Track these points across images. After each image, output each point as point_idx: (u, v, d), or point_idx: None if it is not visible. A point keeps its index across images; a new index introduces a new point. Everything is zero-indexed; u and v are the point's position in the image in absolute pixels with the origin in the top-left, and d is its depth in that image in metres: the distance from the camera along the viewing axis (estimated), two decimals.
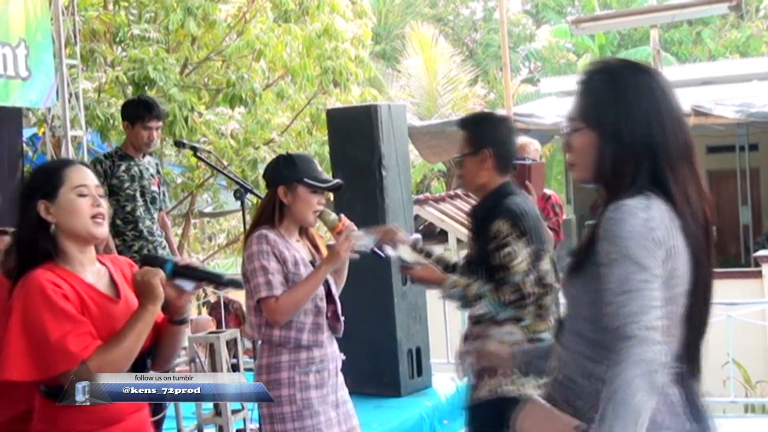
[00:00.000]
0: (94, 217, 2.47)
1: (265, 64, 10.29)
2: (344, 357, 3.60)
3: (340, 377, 3.54)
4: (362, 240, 3.43)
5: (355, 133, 6.03)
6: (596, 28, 13.64)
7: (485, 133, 3.50)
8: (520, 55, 24.95)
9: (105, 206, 2.52)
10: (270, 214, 3.43)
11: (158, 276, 2.41)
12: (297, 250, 3.42)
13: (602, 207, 2.01)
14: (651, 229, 1.91)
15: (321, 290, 3.42)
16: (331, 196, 3.88)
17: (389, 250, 3.55)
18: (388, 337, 5.95)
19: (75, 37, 7.74)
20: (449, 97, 18.70)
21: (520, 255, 3.35)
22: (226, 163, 9.10)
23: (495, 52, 22.41)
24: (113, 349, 2.34)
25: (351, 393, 3.65)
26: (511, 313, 3.38)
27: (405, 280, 5.73)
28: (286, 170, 3.44)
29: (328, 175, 3.61)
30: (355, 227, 3.45)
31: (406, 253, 3.56)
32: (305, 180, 3.38)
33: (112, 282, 2.55)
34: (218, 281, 2.59)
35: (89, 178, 2.51)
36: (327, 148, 8.23)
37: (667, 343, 1.88)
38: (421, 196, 13.37)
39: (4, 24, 6.59)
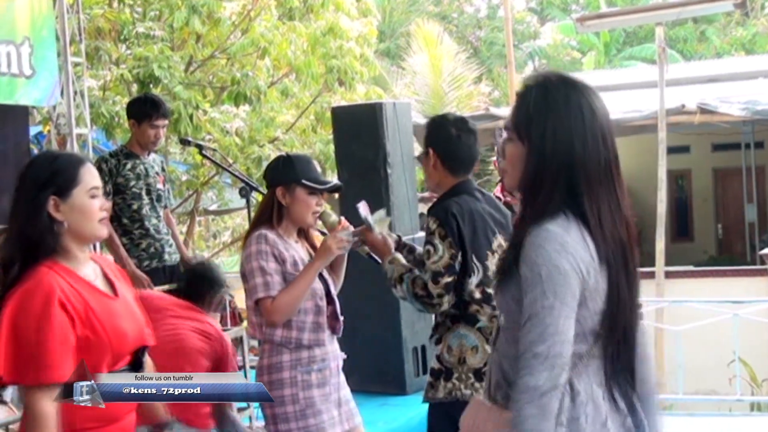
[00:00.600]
0: (101, 219, 2.48)
1: (269, 62, 10.28)
2: (345, 356, 3.61)
3: (342, 376, 3.54)
4: (355, 238, 3.44)
5: (360, 131, 6.02)
6: (601, 25, 13.62)
7: (430, 135, 3.59)
8: (525, 52, 24.92)
9: (108, 206, 2.54)
10: (269, 215, 3.43)
11: None
12: (296, 250, 3.42)
13: (524, 222, 2.08)
14: (566, 254, 1.99)
15: (321, 289, 3.43)
16: (336, 194, 3.87)
17: (362, 209, 3.56)
18: (393, 335, 5.94)
19: (80, 35, 7.74)
20: (454, 95, 18.67)
21: (436, 255, 3.38)
22: (230, 161, 9.10)
23: (499, 50, 22.39)
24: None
25: (356, 391, 3.65)
26: (419, 307, 3.43)
27: None
28: (285, 171, 3.44)
29: (327, 177, 3.62)
30: (352, 228, 3.46)
31: (377, 223, 3.54)
32: (303, 181, 3.38)
33: (107, 279, 2.55)
34: None
35: (98, 179, 2.51)
36: (332, 147, 8.23)
37: (566, 366, 1.97)
38: (426, 194, 13.35)
39: (9, 22, 6.59)
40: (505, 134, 2.17)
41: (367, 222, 3.52)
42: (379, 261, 3.54)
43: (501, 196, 5.51)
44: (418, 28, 19.36)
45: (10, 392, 4.95)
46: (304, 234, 3.55)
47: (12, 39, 6.55)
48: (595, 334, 2.05)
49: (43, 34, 6.86)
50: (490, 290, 3.40)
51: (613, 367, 2.07)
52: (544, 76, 2.17)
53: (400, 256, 3.53)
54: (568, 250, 1.99)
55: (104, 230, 2.50)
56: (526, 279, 2.00)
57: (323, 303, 3.43)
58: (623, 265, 2.07)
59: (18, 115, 7.29)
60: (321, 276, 3.44)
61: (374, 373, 5.85)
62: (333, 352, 3.48)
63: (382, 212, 3.58)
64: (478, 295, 3.43)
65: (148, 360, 2.63)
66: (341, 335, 3.59)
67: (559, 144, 2.05)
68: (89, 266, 2.51)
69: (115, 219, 5.16)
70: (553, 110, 2.07)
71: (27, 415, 2.36)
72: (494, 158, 16.87)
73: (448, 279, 3.36)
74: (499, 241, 3.51)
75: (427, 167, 3.59)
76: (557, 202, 2.03)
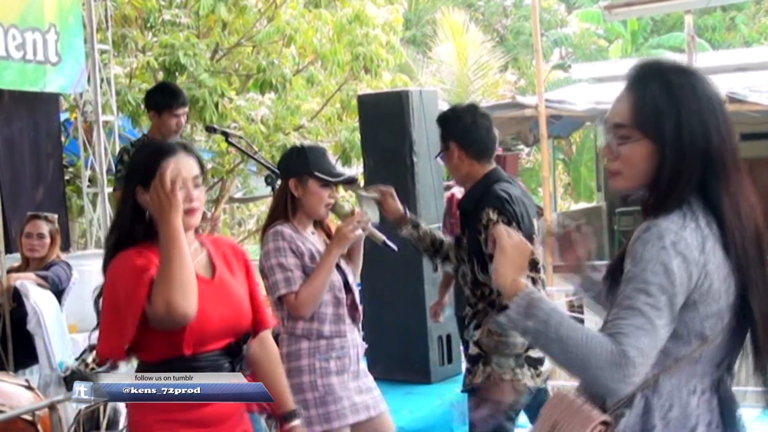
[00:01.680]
0: (186, 212, 2.43)
1: (295, 50, 10.28)
2: (366, 345, 3.60)
3: (363, 364, 3.53)
4: (369, 222, 3.44)
5: (386, 119, 6.00)
6: (629, 13, 13.46)
7: (446, 130, 3.60)
8: (550, 40, 24.75)
9: (200, 196, 2.50)
10: (283, 207, 3.43)
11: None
12: (312, 243, 3.42)
13: (641, 217, 1.98)
14: (676, 254, 1.87)
15: (339, 281, 3.42)
16: (361, 182, 3.87)
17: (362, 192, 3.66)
18: (419, 323, 5.92)
19: (107, 22, 7.77)
20: (480, 83, 18.60)
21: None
22: (256, 149, 9.10)
23: (526, 39, 22.23)
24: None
25: (381, 379, 3.64)
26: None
27: (436, 267, 5.74)
28: (298, 163, 3.43)
29: (352, 165, 3.62)
30: (367, 218, 3.46)
31: (369, 207, 3.60)
32: (315, 173, 3.37)
33: (210, 262, 2.55)
34: None
35: (186, 170, 2.48)
36: (357, 135, 8.21)
37: (644, 370, 1.85)
38: (452, 182, 13.31)
39: (36, 9, 6.61)
40: (614, 132, 2.00)
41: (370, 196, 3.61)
42: (395, 248, 3.53)
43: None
44: (443, 16, 19.29)
45: (36, 378, 4.99)
46: (320, 225, 3.54)
47: (39, 26, 6.58)
48: (702, 337, 1.94)
49: (69, 21, 6.89)
50: (534, 274, 3.39)
51: (719, 373, 1.97)
52: (656, 65, 2.03)
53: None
54: (679, 250, 1.87)
55: (192, 221, 2.47)
56: (627, 272, 1.90)
57: (342, 294, 3.42)
58: (757, 257, 1.96)
59: (47, 103, 7.32)
60: (338, 266, 3.43)
61: (399, 362, 5.85)
62: (353, 341, 3.48)
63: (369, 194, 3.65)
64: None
65: (259, 345, 2.65)
66: (366, 324, 3.58)
67: (695, 137, 1.92)
68: (190, 249, 2.47)
69: None
70: (682, 103, 1.93)
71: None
72: (521, 147, 16.81)
73: None
74: (537, 226, 3.55)
75: (451, 162, 3.59)
76: (683, 197, 1.93)
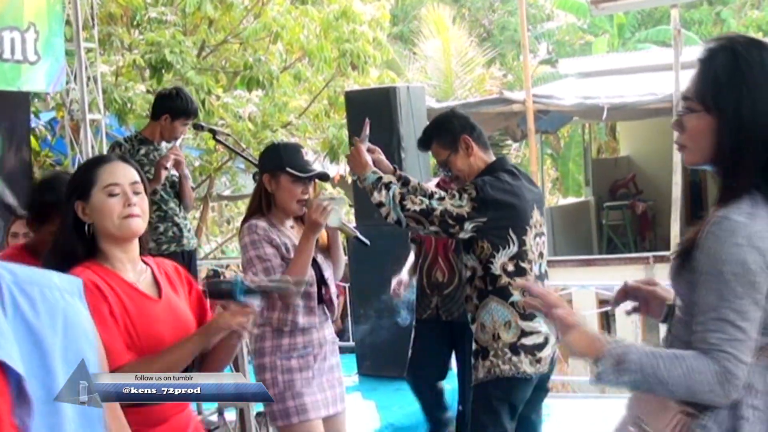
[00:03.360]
0: (125, 217, 2.41)
1: (282, 47, 10.25)
2: (338, 340, 3.69)
3: (332, 360, 3.57)
4: (336, 206, 3.45)
5: (374, 115, 5.96)
6: (616, 8, 13.48)
7: (454, 128, 3.68)
8: (536, 34, 24.76)
9: (141, 203, 2.45)
10: (258, 203, 3.49)
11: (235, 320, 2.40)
12: (288, 236, 3.46)
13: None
14: (752, 249, 1.82)
15: (311, 276, 3.44)
16: (349, 179, 3.92)
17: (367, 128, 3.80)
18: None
19: (92, 20, 7.73)
20: (466, 78, 18.61)
21: (456, 200, 3.45)
22: (244, 146, 9.09)
23: (511, 35, 22.24)
24: (151, 366, 2.28)
25: (371, 375, 3.66)
26: (399, 217, 3.46)
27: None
28: (271, 159, 3.51)
29: (340, 162, 3.67)
30: (327, 201, 3.47)
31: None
32: (287, 169, 3.42)
33: (155, 281, 2.51)
34: (286, 288, 2.69)
35: (123, 176, 2.45)
36: (345, 131, 8.20)
37: (745, 374, 1.83)
38: (437, 179, 13.30)
39: (16, 8, 6.55)
40: (682, 104, 1.97)
41: (364, 135, 3.71)
42: (368, 243, 3.57)
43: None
44: (428, 12, 19.27)
45: None
46: (301, 220, 3.56)
47: (17, 25, 6.52)
48: None
49: (49, 20, 6.83)
50: (525, 265, 3.43)
51: None
52: (729, 38, 1.99)
53: (386, 175, 3.63)
54: (754, 244, 1.82)
55: (131, 227, 2.43)
56: (706, 273, 1.85)
57: (313, 288, 3.46)
58: None
59: (20, 102, 7.27)
60: (314, 261, 3.46)
61: (388, 358, 5.85)
62: (322, 338, 3.52)
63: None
64: (511, 268, 3.46)
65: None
66: (354, 320, 3.60)
67: (759, 115, 1.87)
68: (134, 267, 2.48)
69: None
70: (747, 76, 1.88)
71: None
72: (509, 142, 16.81)
73: (449, 220, 3.41)
74: (536, 217, 3.57)
75: (465, 160, 3.64)
76: (749, 179, 1.87)
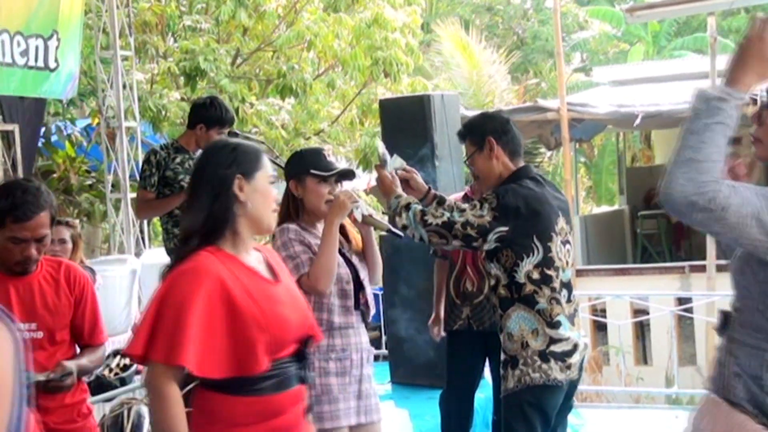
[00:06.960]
0: (274, 210, 2.51)
1: (315, 55, 10.29)
2: (374, 349, 3.64)
3: (368, 369, 3.53)
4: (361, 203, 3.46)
5: (407, 123, 5.98)
6: (652, 16, 13.36)
7: (482, 127, 3.65)
8: (569, 44, 24.67)
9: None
10: (287, 209, 3.49)
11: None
12: (320, 239, 3.44)
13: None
14: None
15: (347, 274, 3.44)
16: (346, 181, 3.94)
17: (381, 147, 3.79)
18: None
19: (129, 28, 7.81)
20: (497, 86, 18.53)
21: (478, 211, 3.40)
22: (277, 154, 9.12)
23: (542, 45, 22.15)
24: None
25: (403, 384, 3.63)
26: (422, 234, 3.43)
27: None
28: (295, 164, 3.54)
29: (338, 164, 3.66)
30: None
31: (392, 165, 3.70)
32: (311, 171, 3.44)
33: (269, 266, 2.55)
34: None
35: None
36: (378, 140, 8.19)
37: None
38: (466, 190, 13.24)
39: (42, 16, 6.60)
40: (763, 99, 1.93)
41: (384, 158, 3.67)
42: (401, 235, 3.54)
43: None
44: (438, 27, 18.86)
45: None
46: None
47: (42, 33, 6.59)
48: None
49: (71, 28, 6.89)
50: (551, 272, 3.39)
51: None
52: None
53: (405, 195, 3.61)
54: None
55: (275, 221, 2.54)
56: None
57: (349, 287, 3.44)
58: None
59: (37, 109, 7.36)
60: (349, 261, 3.46)
61: (421, 366, 5.82)
62: (358, 344, 3.49)
63: (400, 160, 3.75)
64: (536, 275, 3.42)
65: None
66: (388, 329, 3.58)
67: None
68: (252, 254, 2.51)
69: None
70: None
71: (151, 396, 2.37)
72: (543, 150, 16.72)
73: (472, 232, 3.38)
74: (561, 225, 3.52)
75: (487, 161, 3.60)
76: None
